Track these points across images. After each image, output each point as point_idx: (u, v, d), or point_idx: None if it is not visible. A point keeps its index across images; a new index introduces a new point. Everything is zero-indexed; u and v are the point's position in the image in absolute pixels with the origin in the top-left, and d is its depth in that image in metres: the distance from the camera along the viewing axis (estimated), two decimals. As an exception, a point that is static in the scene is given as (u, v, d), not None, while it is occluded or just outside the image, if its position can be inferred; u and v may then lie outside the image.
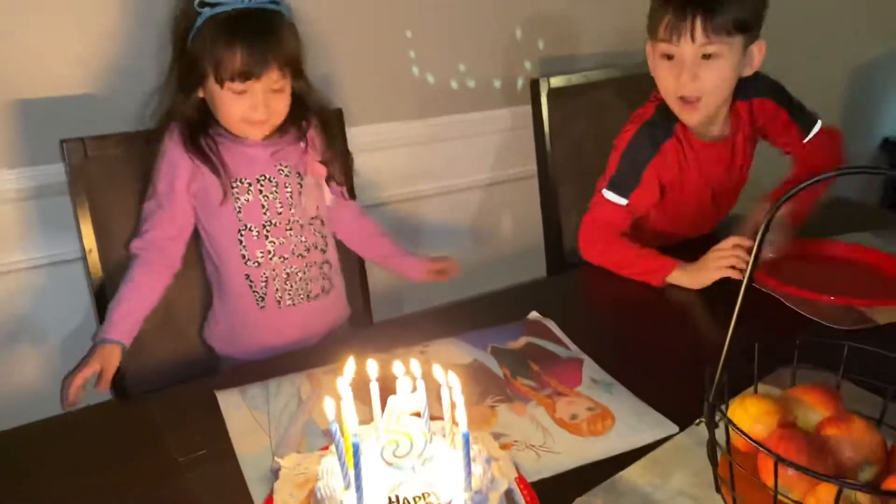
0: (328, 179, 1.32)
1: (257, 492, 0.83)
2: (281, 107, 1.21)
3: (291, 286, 1.29)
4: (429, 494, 0.71)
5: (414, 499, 0.71)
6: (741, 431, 0.75)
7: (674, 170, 1.40)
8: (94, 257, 1.28)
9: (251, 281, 1.27)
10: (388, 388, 0.75)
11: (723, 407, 0.78)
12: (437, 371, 0.75)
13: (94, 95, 1.37)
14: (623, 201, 1.39)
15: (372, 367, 0.77)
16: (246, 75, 1.13)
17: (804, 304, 1.22)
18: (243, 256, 1.26)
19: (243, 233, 1.25)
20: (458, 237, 1.90)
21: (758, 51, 1.34)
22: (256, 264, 1.26)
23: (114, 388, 1.16)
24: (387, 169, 1.73)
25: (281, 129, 1.26)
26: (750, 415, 0.83)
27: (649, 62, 1.38)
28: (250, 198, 1.24)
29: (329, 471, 0.74)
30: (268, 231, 1.26)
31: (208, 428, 0.94)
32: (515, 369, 1.05)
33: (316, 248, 1.31)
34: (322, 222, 1.32)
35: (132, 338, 1.17)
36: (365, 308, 1.53)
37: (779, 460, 0.70)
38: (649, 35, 1.36)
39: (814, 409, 0.86)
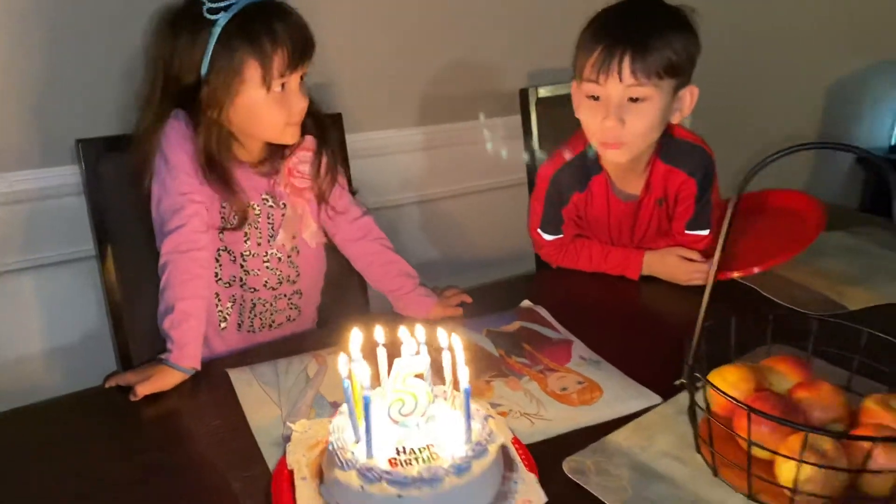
0: (320, 197, 1.28)
1: (270, 455, 0.89)
2: (305, 103, 1.18)
3: (255, 315, 1.29)
4: (432, 446, 0.78)
5: (419, 449, 0.77)
6: (718, 389, 0.82)
7: (593, 208, 1.42)
8: (107, 255, 1.31)
9: (219, 299, 1.26)
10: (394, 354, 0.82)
11: (698, 373, 0.85)
12: (441, 333, 0.82)
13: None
14: (559, 235, 1.43)
15: (379, 332, 0.84)
16: (295, 64, 1.10)
17: (780, 292, 1.30)
18: (216, 274, 1.24)
19: (222, 253, 1.23)
20: (452, 242, 1.97)
21: (689, 96, 1.30)
22: (227, 285, 1.25)
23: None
24: (382, 175, 1.80)
25: (271, 153, 1.23)
26: (727, 381, 0.90)
27: (574, 101, 1.34)
28: (236, 223, 1.21)
29: (340, 427, 0.80)
30: (244, 260, 1.24)
31: (221, 402, 1.00)
32: (509, 349, 1.12)
33: (287, 280, 1.29)
34: (298, 252, 1.29)
35: (198, 360, 1.09)
36: (364, 307, 1.58)
37: (751, 411, 0.77)
38: (575, 74, 1.32)
39: (786, 377, 0.93)
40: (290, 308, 1.32)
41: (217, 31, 1.07)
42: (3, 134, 1.36)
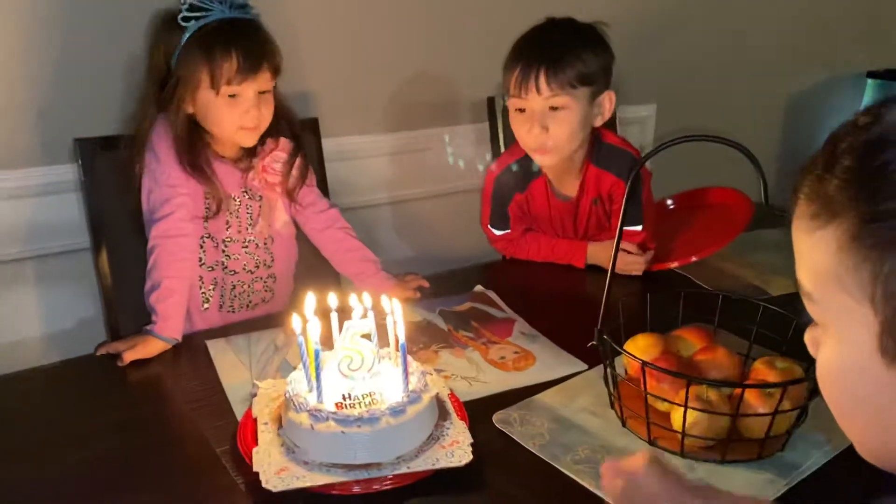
0: (289, 194, 1.41)
1: (239, 410, 1.02)
2: (268, 112, 1.31)
3: (235, 296, 1.42)
4: (374, 394, 0.91)
5: (362, 396, 0.90)
6: (621, 349, 0.95)
7: (534, 207, 1.56)
8: (100, 247, 1.44)
9: (202, 282, 1.39)
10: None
11: (605, 336, 0.98)
12: (384, 300, 0.95)
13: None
14: (506, 230, 1.58)
15: (332, 298, 0.97)
16: (243, 76, 1.23)
17: (711, 281, 1.44)
18: (200, 259, 1.37)
19: (205, 240, 1.37)
20: (423, 240, 2.10)
21: (608, 101, 1.45)
22: (210, 269, 1.39)
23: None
24: (357, 177, 1.93)
25: (250, 151, 1.36)
26: (638, 347, 1.03)
27: (509, 115, 1.49)
28: (218, 213, 1.35)
29: (296, 379, 0.94)
30: (226, 245, 1.38)
31: (199, 367, 1.14)
32: (457, 325, 1.25)
33: (264, 264, 1.43)
34: (272, 240, 1.43)
35: (180, 331, 1.21)
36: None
37: (644, 364, 0.91)
38: (504, 91, 1.48)
39: (692, 344, 1.06)
40: (266, 290, 1.46)
41: (186, 35, 1.23)
42: (5, 134, 1.49)
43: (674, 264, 1.48)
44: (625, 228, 1.51)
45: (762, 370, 0.97)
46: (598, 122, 1.47)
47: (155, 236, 1.28)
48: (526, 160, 1.52)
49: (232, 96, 1.26)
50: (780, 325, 1.04)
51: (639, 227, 1.51)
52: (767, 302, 1.08)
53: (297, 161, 1.41)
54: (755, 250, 1.59)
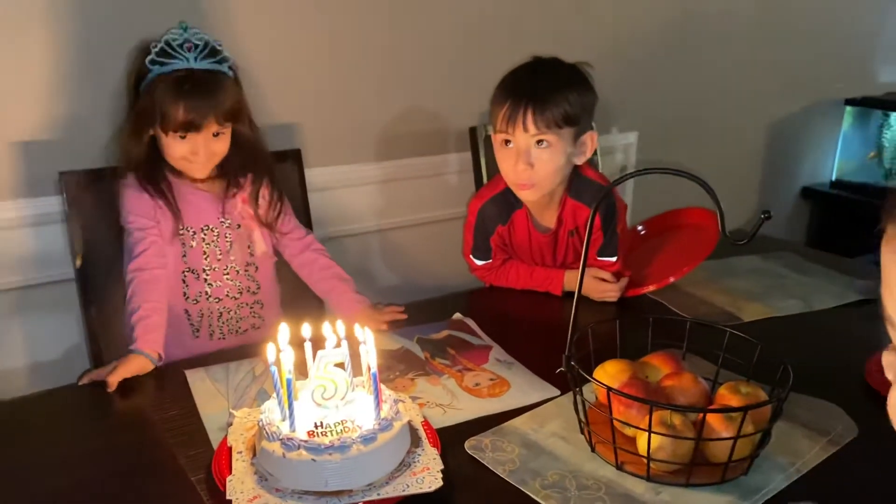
0: (267, 226, 1.47)
1: (216, 438, 1.03)
2: (219, 148, 1.37)
3: (223, 323, 1.47)
4: (346, 421, 0.93)
5: (334, 424, 0.92)
6: (587, 375, 0.97)
7: (516, 238, 1.59)
8: (85, 277, 1.47)
9: (189, 315, 1.45)
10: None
11: (572, 363, 1.00)
12: (357, 329, 0.97)
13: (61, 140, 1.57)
14: (488, 261, 1.61)
15: (306, 328, 0.99)
16: (186, 127, 1.31)
17: (685, 307, 1.47)
18: (185, 294, 1.43)
19: (186, 274, 1.43)
20: (409, 268, 2.13)
21: (590, 140, 1.49)
22: (195, 301, 1.44)
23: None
24: (343, 206, 1.96)
25: (226, 181, 1.43)
26: (607, 372, 1.05)
27: (494, 148, 1.52)
28: (195, 244, 1.41)
29: (270, 408, 0.95)
30: (207, 275, 1.43)
31: (178, 397, 1.15)
32: (434, 353, 1.28)
33: (248, 290, 1.48)
34: (256, 268, 1.48)
35: (161, 347, 1.26)
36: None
37: (610, 390, 0.93)
38: (490, 126, 1.52)
39: (659, 370, 1.09)
40: (254, 316, 1.50)
41: (150, 77, 1.31)
42: (-8, 167, 1.52)
43: (650, 288, 1.51)
44: (601, 259, 1.55)
45: (726, 395, 0.99)
46: (581, 161, 1.51)
47: (131, 270, 1.34)
48: (508, 193, 1.55)
49: (182, 137, 1.33)
50: (747, 351, 1.07)
51: (613, 259, 1.54)
52: (736, 328, 1.10)
53: (264, 191, 1.46)
54: (729, 277, 1.63)
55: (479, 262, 1.61)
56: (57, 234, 1.57)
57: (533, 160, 1.44)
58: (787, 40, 2.68)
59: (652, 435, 0.91)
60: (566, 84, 1.44)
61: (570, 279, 1.53)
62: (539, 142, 1.43)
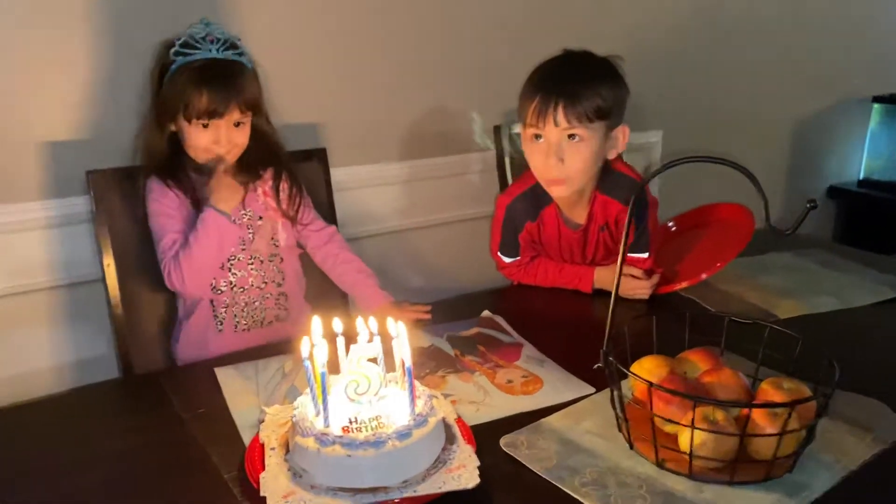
0: (287, 218, 1.48)
1: (247, 435, 1.02)
2: (241, 139, 1.39)
3: (248, 314, 1.47)
4: (380, 417, 0.91)
5: (369, 420, 0.91)
6: (626, 370, 0.95)
7: (545, 235, 1.57)
8: (111, 277, 1.45)
9: (214, 306, 1.45)
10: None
11: (611, 358, 0.98)
12: (390, 323, 0.96)
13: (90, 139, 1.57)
14: (516, 258, 1.59)
15: (337, 323, 0.98)
16: (210, 114, 1.33)
17: (718, 304, 1.44)
18: (211, 285, 1.44)
19: None
20: (434, 268, 2.11)
21: (622, 134, 1.47)
22: (220, 292, 1.45)
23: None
24: (368, 206, 1.95)
25: (246, 173, 1.44)
26: (645, 368, 1.03)
27: (522, 144, 1.51)
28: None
29: (304, 404, 0.94)
30: (231, 264, 1.44)
31: (208, 394, 1.14)
32: (465, 350, 1.26)
33: (273, 282, 1.49)
34: (281, 259, 1.49)
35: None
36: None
37: (651, 385, 0.91)
38: (520, 120, 1.49)
39: (697, 366, 1.06)
40: (279, 308, 1.51)
41: (173, 68, 1.34)
42: (20, 167, 1.52)
43: (683, 284, 1.48)
44: (631, 255, 1.53)
45: (769, 391, 0.97)
46: (612, 155, 1.49)
47: (165, 249, 1.40)
48: (538, 189, 1.52)
49: (205, 125, 1.35)
50: (787, 347, 1.04)
51: (645, 255, 1.52)
52: (774, 324, 1.08)
53: (283, 185, 1.48)
54: (762, 274, 1.60)
55: (507, 260, 1.59)
56: (84, 234, 1.57)
57: (564, 155, 1.41)
58: (813, 37, 2.64)
59: (695, 431, 0.89)
60: (598, 77, 1.41)
61: (600, 276, 1.51)
62: (570, 136, 1.41)
